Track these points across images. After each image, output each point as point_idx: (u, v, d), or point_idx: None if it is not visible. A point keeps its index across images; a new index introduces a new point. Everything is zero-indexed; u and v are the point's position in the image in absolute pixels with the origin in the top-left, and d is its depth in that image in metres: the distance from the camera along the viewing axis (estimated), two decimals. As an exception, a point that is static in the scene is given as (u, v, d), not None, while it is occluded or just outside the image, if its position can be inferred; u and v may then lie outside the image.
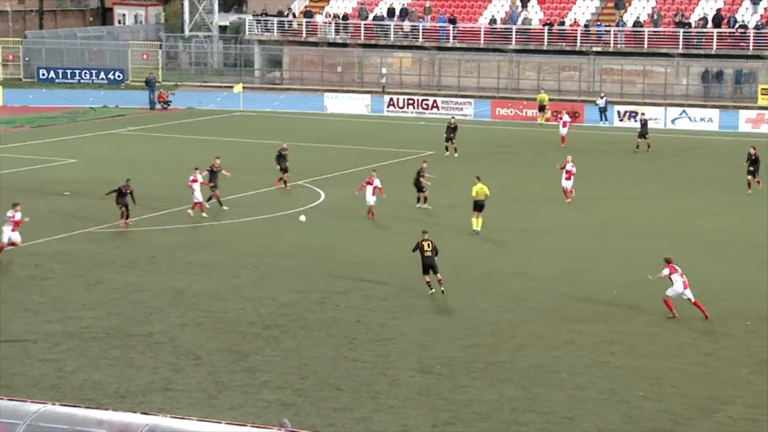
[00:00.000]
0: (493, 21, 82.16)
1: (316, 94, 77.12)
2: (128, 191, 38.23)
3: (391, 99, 73.45)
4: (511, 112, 70.40)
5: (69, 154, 53.34)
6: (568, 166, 43.75)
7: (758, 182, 46.13)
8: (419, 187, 42.55)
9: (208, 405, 23.22)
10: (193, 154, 54.60)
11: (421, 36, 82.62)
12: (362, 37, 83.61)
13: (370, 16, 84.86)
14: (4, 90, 73.07)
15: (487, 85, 79.85)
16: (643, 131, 57.02)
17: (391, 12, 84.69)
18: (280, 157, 46.11)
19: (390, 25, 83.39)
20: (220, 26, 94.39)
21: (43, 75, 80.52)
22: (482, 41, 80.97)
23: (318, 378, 25.24)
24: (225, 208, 41.45)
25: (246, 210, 42.27)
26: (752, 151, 46.41)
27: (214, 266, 34.47)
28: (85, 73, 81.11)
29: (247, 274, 33.89)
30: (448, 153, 54.71)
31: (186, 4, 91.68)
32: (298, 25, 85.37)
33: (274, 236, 38.54)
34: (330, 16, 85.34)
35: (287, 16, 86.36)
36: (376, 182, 40.83)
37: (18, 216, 34.44)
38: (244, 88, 73.22)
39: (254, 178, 47.62)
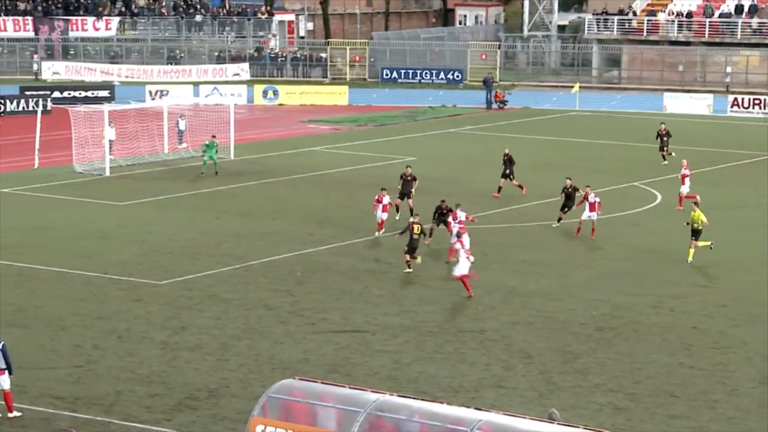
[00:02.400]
0: None
1: (655, 94, 75.50)
2: (447, 210, 36.35)
3: (735, 99, 70.85)
4: None
5: (408, 152, 54.82)
6: (683, 170, 41.67)
7: None
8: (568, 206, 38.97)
9: (539, 404, 23.23)
10: (526, 153, 54.83)
11: (769, 33, 79.25)
12: (706, 35, 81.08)
13: (716, 14, 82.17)
14: (350, 90, 76.11)
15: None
16: None
17: (739, 9, 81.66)
18: (507, 163, 43.80)
19: (737, 23, 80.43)
20: (558, 26, 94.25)
21: (387, 75, 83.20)
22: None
23: (652, 383, 24.72)
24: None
25: (580, 210, 41.94)
26: None
27: (547, 265, 34.48)
28: (426, 73, 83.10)
29: (580, 274, 33.68)
30: (666, 162, 50.68)
31: (526, 4, 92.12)
32: (639, 23, 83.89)
33: (607, 237, 38.04)
34: (673, 14, 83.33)
35: (628, 14, 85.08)
36: (593, 198, 37.62)
37: (386, 199, 36.87)
38: (580, 87, 72.77)
39: (589, 178, 47.16)
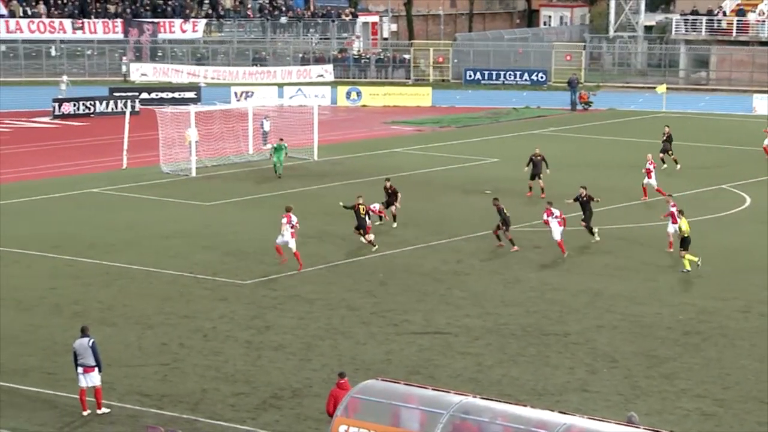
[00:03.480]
0: None
1: (744, 95, 74.26)
2: (499, 209, 36.15)
3: (827, 100, 69.48)
4: None
5: (491, 154, 54.64)
6: (648, 165, 42.88)
7: None
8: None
9: (625, 409, 22.93)
10: (612, 155, 54.35)
11: None
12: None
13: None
14: (433, 91, 76.02)
15: None
16: None
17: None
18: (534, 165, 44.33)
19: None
20: (645, 26, 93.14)
21: (470, 76, 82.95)
22: None
23: (741, 389, 24.33)
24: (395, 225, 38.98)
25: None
26: None
27: (632, 269, 34.12)
28: (510, 74, 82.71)
29: (666, 277, 33.27)
30: (665, 165, 48.90)
31: (612, 4, 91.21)
32: (728, 24, 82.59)
33: (695, 240, 37.45)
34: (763, 13, 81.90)
35: (717, 14, 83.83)
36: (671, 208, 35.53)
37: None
38: (667, 88, 71.86)
39: (674, 181, 46.65)
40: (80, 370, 22.77)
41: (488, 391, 23.38)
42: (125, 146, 50.36)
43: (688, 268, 33.67)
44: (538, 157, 44.30)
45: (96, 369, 22.81)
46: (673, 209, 35.62)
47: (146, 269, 33.51)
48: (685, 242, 33.89)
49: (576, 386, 24.58)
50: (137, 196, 44.25)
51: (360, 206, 35.91)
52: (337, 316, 29.41)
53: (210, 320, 28.92)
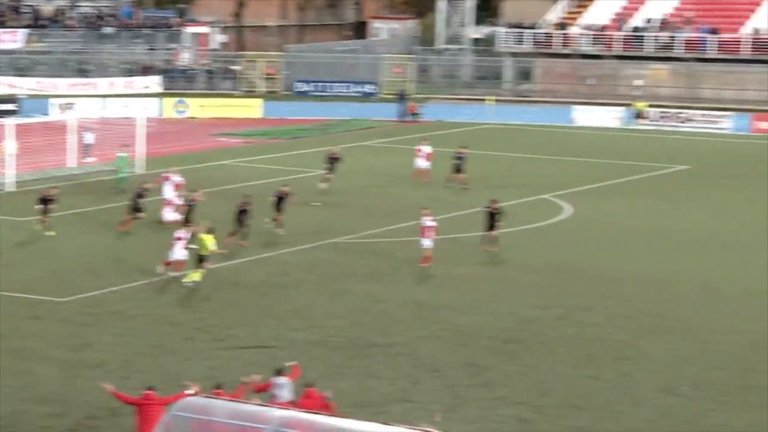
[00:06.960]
0: (756, 31, 79.23)
1: (567, 107, 76.19)
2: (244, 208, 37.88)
3: (644, 112, 71.79)
4: (774, 125, 67.57)
5: (320, 166, 54.55)
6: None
7: None
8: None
9: (446, 418, 23.09)
10: (440, 166, 54.97)
11: (679, 47, 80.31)
12: (618, 48, 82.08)
13: (627, 27, 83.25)
14: (264, 103, 75.61)
15: (750, 97, 76.94)
16: None
17: (649, 22, 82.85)
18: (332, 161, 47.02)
19: (647, 36, 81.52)
20: (474, 39, 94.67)
21: (300, 88, 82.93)
22: (745, 52, 78.20)
23: (557, 395, 24.80)
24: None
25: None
26: None
27: (456, 279, 34.48)
28: (340, 86, 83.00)
29: (488, 287, 33.74)
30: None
31: (440, 17, 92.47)
32: (548, 36, 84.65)
33: (516, 250, 38.19)
34: (585, 27, 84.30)
35: (541, 27, 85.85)
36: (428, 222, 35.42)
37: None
38: (496, 100, 73.15)
39: (499, 192, 47.40)
40: None
41: (310, 405, 23.20)
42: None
43: (196, 279, 32.52)
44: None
45: None
46: (431, 224, 34.84)
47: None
48: (201, 259, 32.70)
49: (399, 397, 24.66)
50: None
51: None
52: (160, 332, 28.83)
53: (21, 339, 27.94)
